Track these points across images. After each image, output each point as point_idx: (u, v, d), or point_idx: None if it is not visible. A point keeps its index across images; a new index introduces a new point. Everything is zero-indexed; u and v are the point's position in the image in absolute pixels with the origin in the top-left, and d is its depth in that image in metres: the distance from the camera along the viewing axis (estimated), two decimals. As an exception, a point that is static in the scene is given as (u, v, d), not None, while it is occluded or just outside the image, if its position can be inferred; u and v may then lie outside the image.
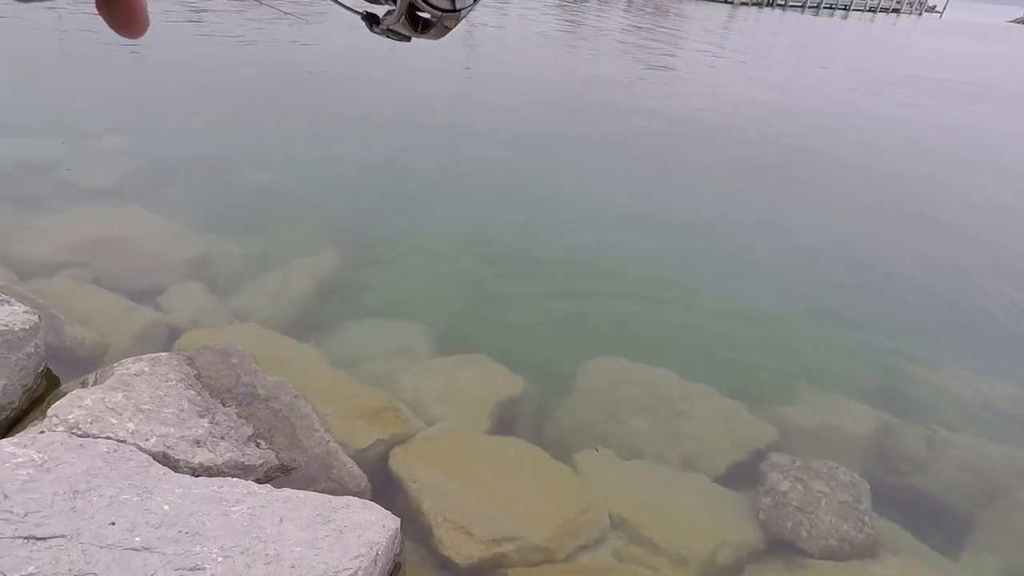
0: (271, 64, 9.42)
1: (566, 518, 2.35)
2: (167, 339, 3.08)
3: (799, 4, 50.35)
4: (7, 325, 2.15)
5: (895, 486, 2.82)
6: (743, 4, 45.57)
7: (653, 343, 3.71)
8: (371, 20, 0.48)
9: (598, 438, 2.90)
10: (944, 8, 76.93)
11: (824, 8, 51.88)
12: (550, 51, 13.73)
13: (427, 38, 0.47)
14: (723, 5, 43.00)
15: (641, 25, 21.51)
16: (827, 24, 37.94)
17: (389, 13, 0.46)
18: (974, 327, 4.30)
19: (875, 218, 6.12)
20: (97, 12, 0.32)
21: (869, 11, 56.70)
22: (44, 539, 1.34)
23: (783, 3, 48.99)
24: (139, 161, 5.21)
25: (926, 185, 7.52)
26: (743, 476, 2.78)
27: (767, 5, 47.59)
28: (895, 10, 59.27)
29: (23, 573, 1.26)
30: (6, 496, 1.43)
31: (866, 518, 2.43)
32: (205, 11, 12.87)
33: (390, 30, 0.46)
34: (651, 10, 29.99)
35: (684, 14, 31.43)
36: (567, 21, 20.37)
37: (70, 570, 1.31)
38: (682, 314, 4.05)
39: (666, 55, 15.50)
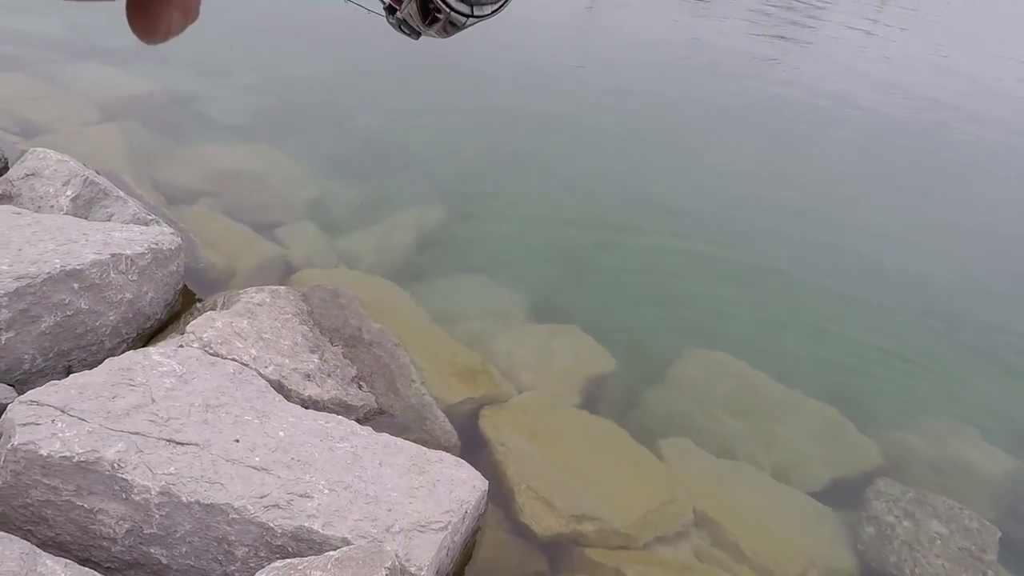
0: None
1: (649, 507, 2.30)
2: (284, 272, 3.27)
3: None
4: (157, 244, 2.36)
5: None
6: None
7: (757, 341, 3.51)
8: (390, 10, 0.50)
9: (689, 430, 2.80)
10: None
11: None
12: (671, 15, 12.99)
13: (433, 34, 0.48)
14: None
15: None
16: None
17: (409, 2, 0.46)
18: None
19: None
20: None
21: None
22: (182, 444, 1.47)
23: None
24: (268, 99, 5.49)
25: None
26: (843, 498, 2.60)
27: None
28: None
29: (166, 472, 1.39)
30: (154, 400, 1.58)
31: (989, 570, 2.20)
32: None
33: (403, 22, 0.47)
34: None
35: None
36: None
37: (202, 476, 1.43)
38: (794, 314, 3.79)
39: (804, 26, 14.25)
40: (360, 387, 2.36)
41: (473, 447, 2.42)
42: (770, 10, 14.29)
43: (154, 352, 1.81)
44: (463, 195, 4.50)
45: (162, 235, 2.44)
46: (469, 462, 2.02)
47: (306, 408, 1.99)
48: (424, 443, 2.16)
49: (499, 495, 2.25)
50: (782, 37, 12.51)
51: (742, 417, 2.96)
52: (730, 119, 7.22)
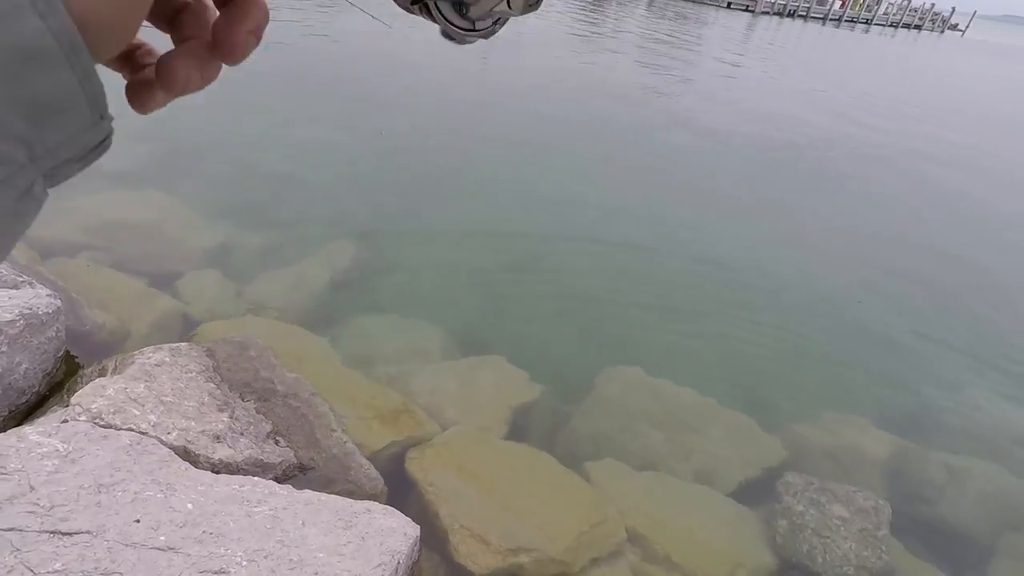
0: (301, 56, 9.40)
1: (582, 530, 2.33)
2: (184, 328, 3.06)
3: (820, 16, 49.70)
4: (31, 308, 2.14)
5: (914, 513, 2.79)
6: (764, 13, 45.03)
7: (668, 355, 3.69)
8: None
9: (613, 449, 2.87)
10: (967, 27, 76.24)
11: (846, 21, 51.22)
12: (571, 57, 13.66)
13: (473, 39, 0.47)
14: (743, 13, 42.56)
15: (661, 32, 21.43)
16: (848, 38, 37.66)
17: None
18: (1001, 352, 4.25)
19: (903, 240, 6.07)
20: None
21: (891, 26, 56.09)
22: (70, 534, 1.32)
23: (804, 13, 48.37)
24: (158, 145, 5.19)
25: (945, 203, 7.46)
26: (758, 494, 2.76)
27: (788, 15, 47.01)
28: (916, 26, 58.68)
29: (50, 569, 1.24)
30: (32, 487, 1.41)
31: (883, 546, 2.41)
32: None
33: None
34: (671, 16, 29.81)
35: (704, 20, 31.26)
36: (587, 23, 20.28)
37: (96, 568, 1.29)
38: (698, 327, 4.02)
39: (686, 64, 15.42)
40: (277, 442, 2.23)
41: (401, 491, 2.35)
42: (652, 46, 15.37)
43: (31, 432, 1.63)
44: (372, 232, 4.44)
45: (36, 297, 2.22)
46: (398, 507, 1.96)
47: (217, 473, 1.85)
48: (350, 494, 2.07)
49: (432, 537, 2.19)
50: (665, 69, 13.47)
51: (661, 429, 3.08)
52: (629, 143, 7.64)
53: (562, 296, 4.09)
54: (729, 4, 44.20)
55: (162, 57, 0.36)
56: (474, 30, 0.45)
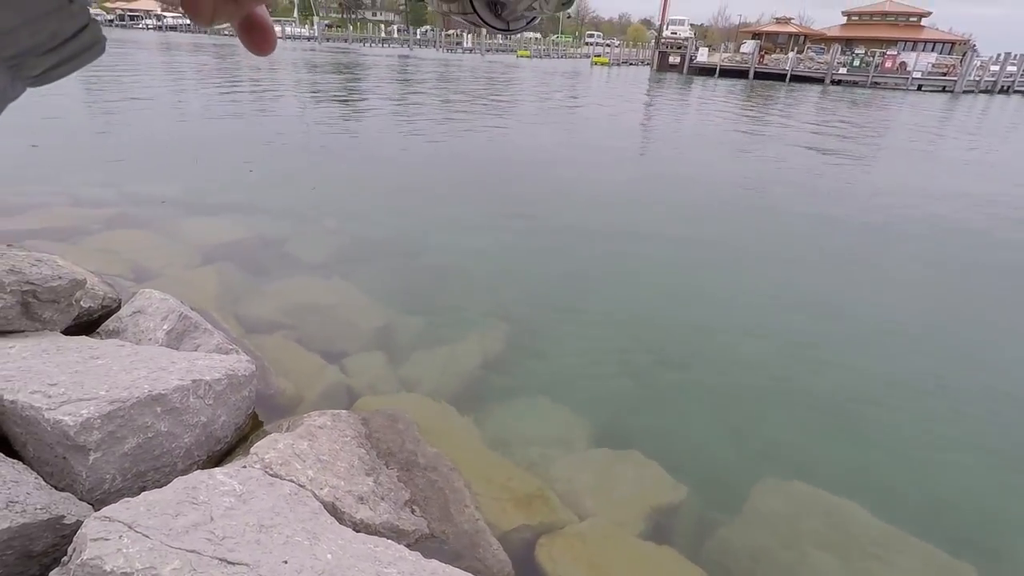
0: (457, 155, 10.57)
1: (729, 658, 2.03)
2: (347, 398, 3.39)
3: None
4: (234, 371, 2.54)
5: None
6: (966, 91, 39.36)
7: (840, 471, 3.21)
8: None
9: (773, 569, 2.51)
10: None
11: None
12: (729, 152, 13.57)
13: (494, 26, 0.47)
14: (939, 94, 38.23)
15: (835, 120, 20.47)
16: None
17: None
18: None
19: None
20: (237, 36, 0.38)
21: None
22: (233, 564, 1.48)
23: (1022, 87, 40.85)
24: (345, 239, 6.04)
25: None
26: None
27: (999, 92, 40.44)
28: None
29: (212, 593, 1.39)
30: (212, 519, 1.63)
31: None
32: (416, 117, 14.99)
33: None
34: (848, 102, 28.08)
35: (887, 103, 29.18)
36: (750, 117, 20.14)
37: (246, 599, 1.42)
38: (879, 440, 3.47)
39: (860, 158, 14.44)
40: (413, 511, 2.32)
41: (529, 579, 2.27)
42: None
43: (219, 472, 1.89)
44: (525, 323, 4.61)
45: (239, 362, 2.64)
46: (524, 596, 1.89)
47: (357, 531, 1.97)
48: (476, 571, 2.05)
49: (556, 636, 2.06)
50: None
51: (833, 553, 2.64)
52: (794, 238, 7.21)
53: (715, 397, 3.82)
54: (920, 87, 40.51)
55: None
56: (508, 29, 0.46)
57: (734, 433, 3.50)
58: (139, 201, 6.71)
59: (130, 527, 1.58)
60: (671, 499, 2.86)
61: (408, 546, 2.02)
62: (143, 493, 1.75)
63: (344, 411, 2.79)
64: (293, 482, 2.05)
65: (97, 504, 1.97)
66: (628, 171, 10.71)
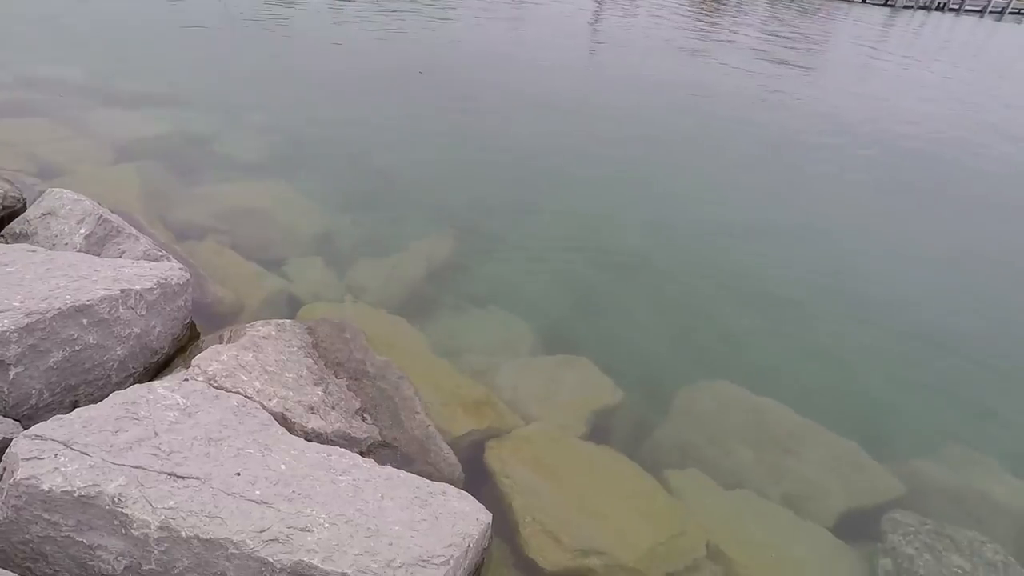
0: (400, 50, 9.86)
1: (658, 540, 2.25)
2: (290, 307, 3.30)
3: (977, 8, 43.04)
4: (166, 279, 2.39)
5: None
6: (906, 7, 40.44)
7: (767, 371, 3.46)
8: None
9: (699, 462, 2.75)
10: None
11: (1011, 13, 43.89)
12: (679, 57, 13.26)
13: None
14: (881, 8, 38.62)
15: (783, 32, 20.24)
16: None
17: None
18: None
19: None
20: None
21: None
22: (183, 478, 1.46)
23: (956, 7, 42.30)
24: (280, 138, 5.63)
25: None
26: (858, 530, 2.52)
27: (936, 8, 41.71)
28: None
29: (165, 506, 1.38)
30: (156, 433, 1.58)
31: (1013, 606, 2.12)
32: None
33: None
34: (796, 12, 27.94)
35: (833, 15, 29.11)
36: (702, 22, 19.60)
37: (202, 510, 1.42)
38: (803, 342, 3.74)
39: (808, 68, 14.46)
40: (364, 419, 2.35)
41: (477, 479, 2.39)
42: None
43: (159, 386, 1.83)
44: (473, 228, 4.54)
45: (171, 270, 2.48)
46: (473, 495, 1.99)
47: (309, 441, 1.98)
48: (428, 475, 2.13)
49: (504, 528, 2.21)
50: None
51: (754, 448, 2.91)
52: (742, 151, 7.29)
53: (659, 303, 3.96)
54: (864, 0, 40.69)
55: None
56: None
57: (670, 337, 3.68)
58: (35, 84, 5.94)
59: (66, 445, 1.52)
60: (610, 401, 3.02)
61: (361, 453, 2.06)
62: (76, 410, 1.67)
63: (288, 320, 2.72)
64: (240, 394, 2.01)
65: (25, 420, 1.87)
66: (576, 73, 10.34)
